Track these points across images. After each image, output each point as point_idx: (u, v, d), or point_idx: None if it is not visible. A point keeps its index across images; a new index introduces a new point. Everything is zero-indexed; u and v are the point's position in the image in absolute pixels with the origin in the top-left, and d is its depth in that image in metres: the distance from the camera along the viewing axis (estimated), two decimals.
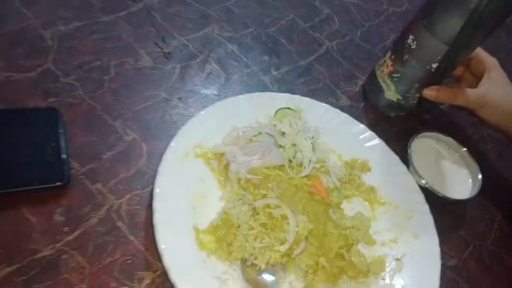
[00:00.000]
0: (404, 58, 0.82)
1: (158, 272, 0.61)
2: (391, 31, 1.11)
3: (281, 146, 0.77)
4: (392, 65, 0.85)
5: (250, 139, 0.76)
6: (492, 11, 0.68)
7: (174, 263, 0.59)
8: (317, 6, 1.08)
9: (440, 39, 0.75)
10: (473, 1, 0.68)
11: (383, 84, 0.88)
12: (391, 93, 0.88)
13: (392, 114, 0.92)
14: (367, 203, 0.80)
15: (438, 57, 0.77)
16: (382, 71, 0.88)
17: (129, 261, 0.60)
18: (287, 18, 1.02)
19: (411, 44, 0.80)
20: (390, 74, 0.86)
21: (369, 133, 0.86)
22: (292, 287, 0.66)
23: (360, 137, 0.85)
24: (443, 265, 0.75)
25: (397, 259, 0.74)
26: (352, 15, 1.10)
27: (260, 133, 0.76)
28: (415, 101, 0.88)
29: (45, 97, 0.70)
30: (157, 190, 0.64)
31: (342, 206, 0.77)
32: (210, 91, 0.83)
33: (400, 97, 0.88)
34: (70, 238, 0.60)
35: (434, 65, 0.79)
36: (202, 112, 0.74)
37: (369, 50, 1.05)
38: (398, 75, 0.85)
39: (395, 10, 1.17)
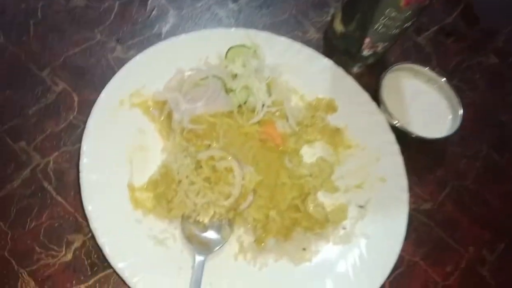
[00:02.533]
0: None
1: (90, 235, 0.55)
2: None
3: (231, 90, 0.66)
4: None
5: (197, 83, 0.65)
6: None
7: (102, 225, 0.52)
8: None
9: None
10: None
11: (336, 11, 0.74)
12: (336, 23, 0.74)
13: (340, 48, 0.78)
14: (331, 147, 0.70)
15: None
16: None
17: (56, 224, 0.54)
18: None
19: None
20: None
21: (336, 69, 0.73)
22: (241, 242, 0.60)
23: (326, 74, 0.74)
24: (414, 210, 0.67)
25: (360, 206, 0.66)
26: None
27: (208, 76, 0.65)
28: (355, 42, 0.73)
29: None
30: (84, 147, 0.56)
31: (302, 152, 0.68)
32: (155, 31, 0.71)
33: (343, 30, 0.73)
34: None
35: None
36: (140, 55, 0.64)
37: None
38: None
39: None
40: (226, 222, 0.59)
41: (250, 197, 0.58)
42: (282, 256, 0.60)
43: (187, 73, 0.66)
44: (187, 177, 0.58)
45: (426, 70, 0.76)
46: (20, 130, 0.58)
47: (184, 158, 0.60)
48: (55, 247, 0.52)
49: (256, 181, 0.58)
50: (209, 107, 0.62)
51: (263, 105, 0.65)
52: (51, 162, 0.57)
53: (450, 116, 0.74)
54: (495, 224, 0.69)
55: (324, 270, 0.60)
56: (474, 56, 0.88)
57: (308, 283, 0.59)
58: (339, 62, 0.76)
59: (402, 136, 0.70)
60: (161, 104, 0.63)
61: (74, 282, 0.51)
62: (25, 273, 0.50)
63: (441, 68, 0.84)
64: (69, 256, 0.52)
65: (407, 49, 0.84)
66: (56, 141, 0.58)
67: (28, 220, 0.53)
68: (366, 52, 0.76)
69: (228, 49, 0.69)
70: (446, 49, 0.87)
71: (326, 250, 0.62)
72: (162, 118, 0.63)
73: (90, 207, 0.52)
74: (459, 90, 0.83)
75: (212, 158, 0.59)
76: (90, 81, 0.63)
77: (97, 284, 0.52)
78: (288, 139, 0.65)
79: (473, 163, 0.76)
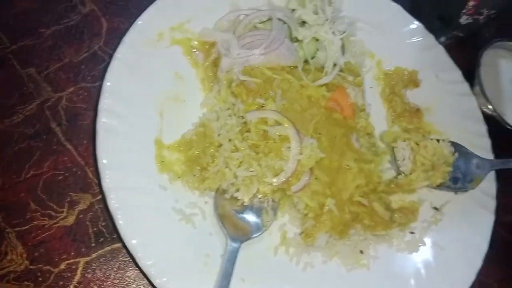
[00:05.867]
0: None
1: (99, 197, 0.41)
2: None
3: (297, 40, 0.50)
4: None
5: (255, 26, 0.50)
6: None
7: (117, 186, 0.39)
8: None
9: None
10: None
11: None
12: None
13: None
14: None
15: None
16: None
17: (60, 177, 0.41)
18: None
19: None
20: None
21: (426, 35, 0.56)
22: (284, 232, 0.46)
23: (413, 39, 0.57)
24: (498, 222, 0.50)
25: (435, 208, 0.51)
26: None
27: (270, 18, 0.49)
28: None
29: None
30: (107, 85, 0.42)
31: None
32: None
33: None
34: None
35: None
36: None
37: None
38: None
39: None
40: (270, 205, 0.45)
41: (305, 178, 0.44)
42: (333, 258, 0.46)
43: (244, 12, 0.50)
44: (229, 141, 0.44)
45: None
46: (32, 53, 0.44)
47: (228, 117, 0.46)
48: (55, 206, 0.40)
49: (317, 158, 0.43)
50: (268, 57, 0.47)
51: (334, 65, 0.49)
52: (64, 99, 0.43)
53: None
54: None
55: (382, 281, 0.45)
56: None
57: None
58: (428, 28, 0.58)
59: (495, 128, 0.54)
60: (208, 46, 0.49)
61: (72, 253, 0.38)
62: (13, 233, 0.38)
63: None
64: (71, 219, 0.39)
65: (504, 26, 0.65)
66: (74, 73, 0.45)
67: (26, 167, 0.40)
68: (464, 19, 0.58)
69: None
70: None
71: (387, 257, 0.48)
72: (207, 64, 0.48)
73: (105, 161, 0.39)
74: None
75: (264, 121, 0.44)
76: (125, 6, 0.49)
77: (101, 260, 0.39)
78: (359, 114, 0.49)
79: None
